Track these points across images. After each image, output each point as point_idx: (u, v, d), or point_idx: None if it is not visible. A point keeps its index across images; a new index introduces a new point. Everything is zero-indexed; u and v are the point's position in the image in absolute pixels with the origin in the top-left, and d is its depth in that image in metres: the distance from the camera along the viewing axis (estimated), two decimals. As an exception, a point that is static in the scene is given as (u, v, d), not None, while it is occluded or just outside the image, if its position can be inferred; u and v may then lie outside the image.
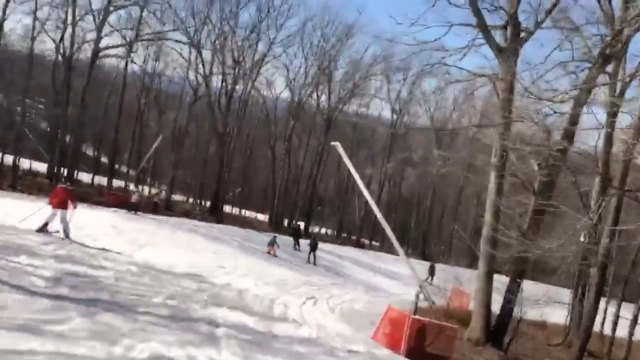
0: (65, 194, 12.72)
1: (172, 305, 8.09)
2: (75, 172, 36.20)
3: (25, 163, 37.72)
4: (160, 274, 10.67)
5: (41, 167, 38.42)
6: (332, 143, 17.02)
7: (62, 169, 35.06)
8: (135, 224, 19.87)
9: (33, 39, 33.09)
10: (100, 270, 9.44)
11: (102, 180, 43.34)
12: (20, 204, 18.75)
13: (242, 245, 23.82)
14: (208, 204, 46.51)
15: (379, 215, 15.40)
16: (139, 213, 27.08)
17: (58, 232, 12.47)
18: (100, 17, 32.41)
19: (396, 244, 15.07)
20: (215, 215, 41.56)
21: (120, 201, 30.52)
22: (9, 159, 33.77)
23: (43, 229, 12.37)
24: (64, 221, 12.39)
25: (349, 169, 19.28)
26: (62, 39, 35.17)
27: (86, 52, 35.93)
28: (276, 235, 26.84)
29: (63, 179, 15.80)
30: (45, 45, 35.99)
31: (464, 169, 46.93)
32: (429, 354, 11.05)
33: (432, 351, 11.14)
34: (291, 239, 29.78)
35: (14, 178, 29.35)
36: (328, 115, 49.17)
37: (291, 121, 45.44)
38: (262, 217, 51.88)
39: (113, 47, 33.73)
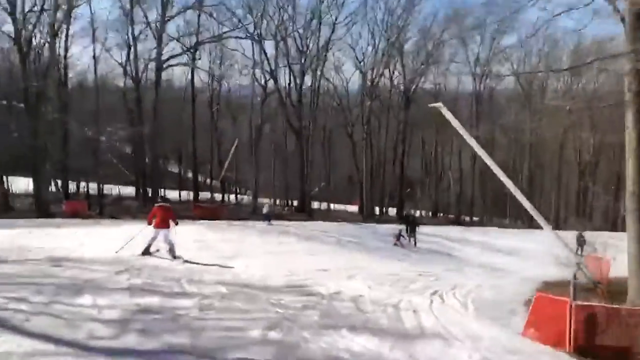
0: (164, 212, 12.34)
1: (275, 340, 5.96)
2: (161, 189, 35.92)
3: (114, 189, 38.33)
4: (255, 292, 8.63)
5: (127, 190, 38.79)
6: (433, 105, 14.25)
7: (147, 189, 34.92)
8: (222, 235, 18.29)
9: (96, 66, 33.20)
10: (181, 299, 7.53)
11: (188, 194, 43.29)
12: (105, 231, 17.86)
13: (339, 241, 21.65)
14: (294, 202, 45.10)
15: (507, 181, 12.47)
16: (272, 223, 26.98)
17: (158, 250, 12.21)
18: (158, 28, 31.58)
19: (536, 213, 12.17)
20: (303, 212, 39.98)
21: (209, 213, 29.84)
22: (93, 186, 34.11)
23: (147, 252, 12.09)
24: (168, 240, 12.06)
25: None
26: (128, 58, 35.12)
27: (152, 68, 35.59)
28: (401, 228, 25.64)
29: (160, 198, 14.99)
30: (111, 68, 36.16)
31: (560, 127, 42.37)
32: (606, 348, 8.42)
33: (610, 343, 8.49)
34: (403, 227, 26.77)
35: (101, 205, 29.25)
36: (405, 91, 46.06)
37: (367, 103, 42.71)
38: (351, 208, 49.71)
39: (176, 55, 32.88)
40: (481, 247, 28.46)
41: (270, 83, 39.88)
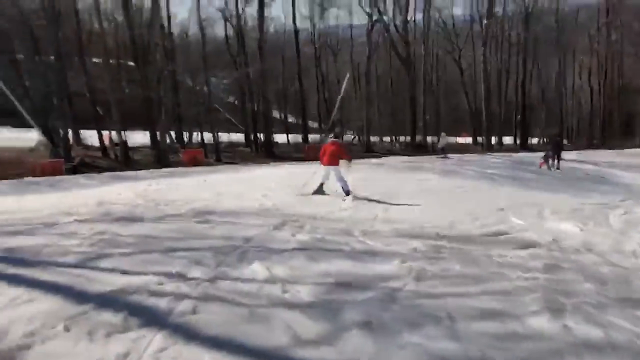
0: (333, 148, 11.22)
1: (581, 334, 3.71)
2: (271, 135, 34.75)
3: (223, 137, 37.84)
4: (460, 247, 6.44)
5: (236, 137, 38.14)
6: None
7: (257, 135, 33.89)
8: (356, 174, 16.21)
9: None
10: (375, 263, 5.52)
11: (296, 138, 42.08)
12: (234, 177, 16.59)
13: (482, 174, 18.70)
14: (401, 138, 42.37)
15: None
16: (448, 156, 26.27)
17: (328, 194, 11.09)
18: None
19: None
20: (418, 147, 37.24)
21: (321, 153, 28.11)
22: (207, 136, 33.62)
23: (319, 191, 11.19)
24: (341, 180, 11.04)
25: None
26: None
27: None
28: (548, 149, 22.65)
29: (329, 133, 13.40)
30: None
31: None
32: None
33: None
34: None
35: (217, 152, 28.54)
36: (525, 5, 40.62)
37: (484, 20, 38.01)
38: (461, 140, 45.70)
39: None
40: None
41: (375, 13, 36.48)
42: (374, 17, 34.10)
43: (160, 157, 25.74)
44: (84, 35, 33.90)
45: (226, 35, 38.27)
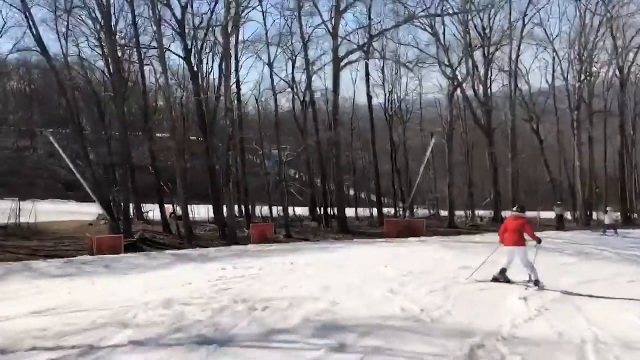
0: (518, 223, 8.80)
1: None
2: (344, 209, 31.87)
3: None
4: None
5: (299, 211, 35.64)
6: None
7: (327, 209, 31.08)
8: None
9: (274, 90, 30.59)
10: None
11: (364, 211, 39.03)
12: (330, 258, 13.51)
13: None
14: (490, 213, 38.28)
15: None
16: (618, 233, 23.51)
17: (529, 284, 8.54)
18: (332, 25, 27.53)
19: None
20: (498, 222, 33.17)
21: (403, 229, 25.03)
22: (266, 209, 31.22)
23: (501, 278, 8.93)
24: (527, 265, 8.63)
25: None
26: (293, 69, 32.20)
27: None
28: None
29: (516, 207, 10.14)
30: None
31: None
32: None
33: None
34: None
35: (287, 227, 25.70)
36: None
37: (575, 84, 34.54)
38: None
39: (353, 51, 28.39)
40: None
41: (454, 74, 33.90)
42: (456, 82, 31.41)
43: (227, 233, 23.06)
44: (150, 109, 33.12)
45: (294, 105, 36.75)
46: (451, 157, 31.41)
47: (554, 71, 40.54)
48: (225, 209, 25.47)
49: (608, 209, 26.12)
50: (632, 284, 8.78)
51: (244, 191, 31.10)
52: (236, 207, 30.69)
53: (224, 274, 10.66)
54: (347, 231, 27.10)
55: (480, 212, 38.53)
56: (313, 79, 32.35)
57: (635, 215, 35.88)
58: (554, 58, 40.28)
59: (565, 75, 37.85)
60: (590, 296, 7.49)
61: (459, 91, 33.43)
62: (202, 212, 30.06)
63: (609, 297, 7.47)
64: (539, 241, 8.83)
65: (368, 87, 33.26)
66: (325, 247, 16.95)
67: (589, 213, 34.73)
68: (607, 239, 20.69)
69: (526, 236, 8.68)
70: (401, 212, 35.02)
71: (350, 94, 48.63)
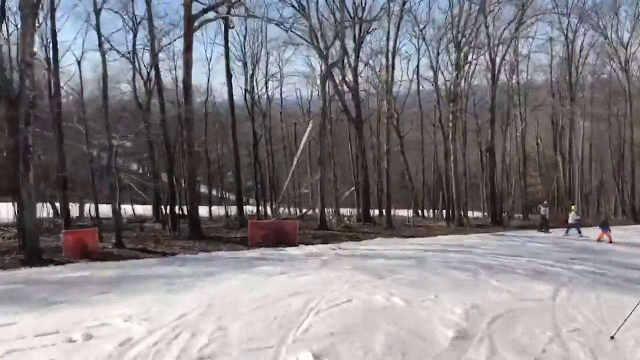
0: None
1: None
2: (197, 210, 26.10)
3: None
4: None
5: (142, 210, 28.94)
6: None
7: (174, 207, 25.09)
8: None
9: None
10: None
11: (218, 211, 33.69)
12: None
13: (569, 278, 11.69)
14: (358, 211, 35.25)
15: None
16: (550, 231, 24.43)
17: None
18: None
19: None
20: (369, 222, 30.26)
21: (273, 232, 20.23)
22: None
23: None
24: None
25: None
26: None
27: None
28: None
29: None
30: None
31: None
32: None
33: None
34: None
35: (118, 233, 19.14)
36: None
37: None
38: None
39: (209, 8, 22.49)
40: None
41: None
42: (328, 63, 27.34)
43: (25, 246, 15.85)
44: None
45: (134, 81, 30.10)
46: (323, 148, 27.38)
47: (418, 61, 39.14)
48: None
49: (573, 207, 24.95)
50: None
51: (61, 184, 23.70)
52: (43, 205, 23.43)
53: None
54: (201, 236, 21.43)
55: (348, 210, 35.41)
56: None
57: (505, 215, 35.29)
58: (418, 48, 38.94)
59: (435, 66, 36.33)
60: None
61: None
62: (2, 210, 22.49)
63: None
64: None
65: (227, 57, 27.59)
66: (172, 277, 11.15)
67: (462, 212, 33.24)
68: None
69: None
70: (270, 212, 30.19)
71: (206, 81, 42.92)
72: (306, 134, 23.49)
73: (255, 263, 12.68)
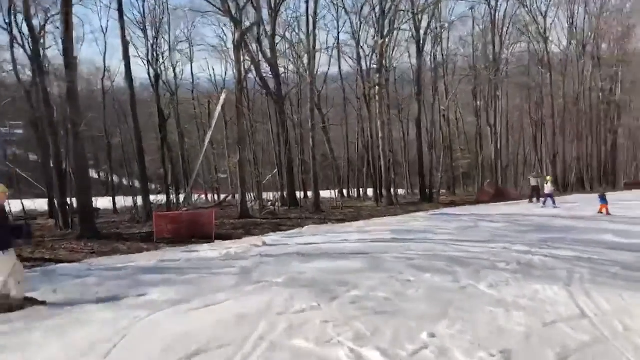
0: None
1: None
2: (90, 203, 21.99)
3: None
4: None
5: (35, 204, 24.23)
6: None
7: (66, 201, 20.91)
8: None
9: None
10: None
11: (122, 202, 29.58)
12: None
13: (571, 273, 9.59)
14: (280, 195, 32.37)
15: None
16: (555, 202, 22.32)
17: None
18: None
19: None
20: (296, 206, 27.73)
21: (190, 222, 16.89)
22: None
23: None
24: None
25: None
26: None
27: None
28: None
29: None
30: None
31: None
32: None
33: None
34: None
35: None
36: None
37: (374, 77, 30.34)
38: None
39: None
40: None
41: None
42: (244, 25, 23.85)
43: None
44: None
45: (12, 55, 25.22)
46: (242, 125, 24.02)
47: (338, 33, 36.63)
48: None
49: (548, 178, 23.58)
50: None
51: None
52: None
53: None
54: (95, 233, 17.56)
55: (272, 195, 32.52)
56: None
57: (435, 191, 33.82)
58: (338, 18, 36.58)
59: (357, 37, 33.98)
60: None
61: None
62: None
63: None
64: None
65: (121, 17, 23.03)
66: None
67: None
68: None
69: None
70: (182, 201, 26.41)
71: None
72: (218, 107, 20.18)
73: (142, 280, 8.49)
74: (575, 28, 39.81)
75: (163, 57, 31.77)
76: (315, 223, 19.43)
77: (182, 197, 26.17)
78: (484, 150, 41.23)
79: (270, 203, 28.86)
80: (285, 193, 31.31)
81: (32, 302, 6.75)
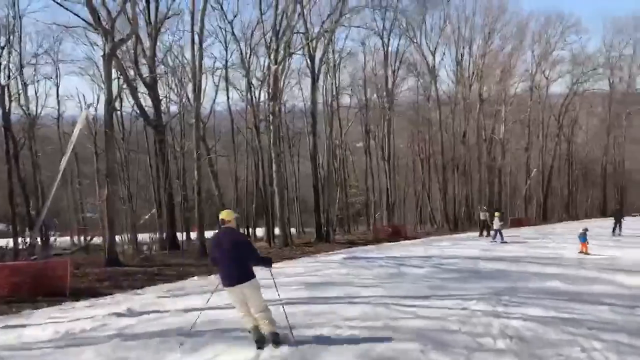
0: None
1: None
2: None
3: None
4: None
5: None
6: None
7: None
8: None
9: None
10: None
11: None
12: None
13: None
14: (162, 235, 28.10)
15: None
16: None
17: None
18: None
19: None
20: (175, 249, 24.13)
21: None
22: None
23: None
24: None
25: None
26: None
27: None
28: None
29: None
30: None
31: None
32: None
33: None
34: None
35: None
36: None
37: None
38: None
39: None
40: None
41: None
42: (114, 39, 19.99)
43: None
44: None
45: None
46: (112, 154, 19.88)
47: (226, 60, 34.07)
48: None
49: (497, 214, 23.27)
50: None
51: None
52: None
53: None
54: None
55: (149, 236, 28.04)
56: None
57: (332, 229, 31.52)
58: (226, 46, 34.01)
59: (248, 64, 31.43)
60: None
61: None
62: None
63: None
64: None
65: None
66: None
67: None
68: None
69: None
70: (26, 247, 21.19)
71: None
72: (77, 127, 16.24)
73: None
74: (461, 67, 40.91)
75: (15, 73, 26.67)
76: (202, 274, 15.83)
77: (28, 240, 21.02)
78: (375, 186, 40.30)
79: (145, 247, 24.62)
80: (164, 235, 27.16)
81: None
